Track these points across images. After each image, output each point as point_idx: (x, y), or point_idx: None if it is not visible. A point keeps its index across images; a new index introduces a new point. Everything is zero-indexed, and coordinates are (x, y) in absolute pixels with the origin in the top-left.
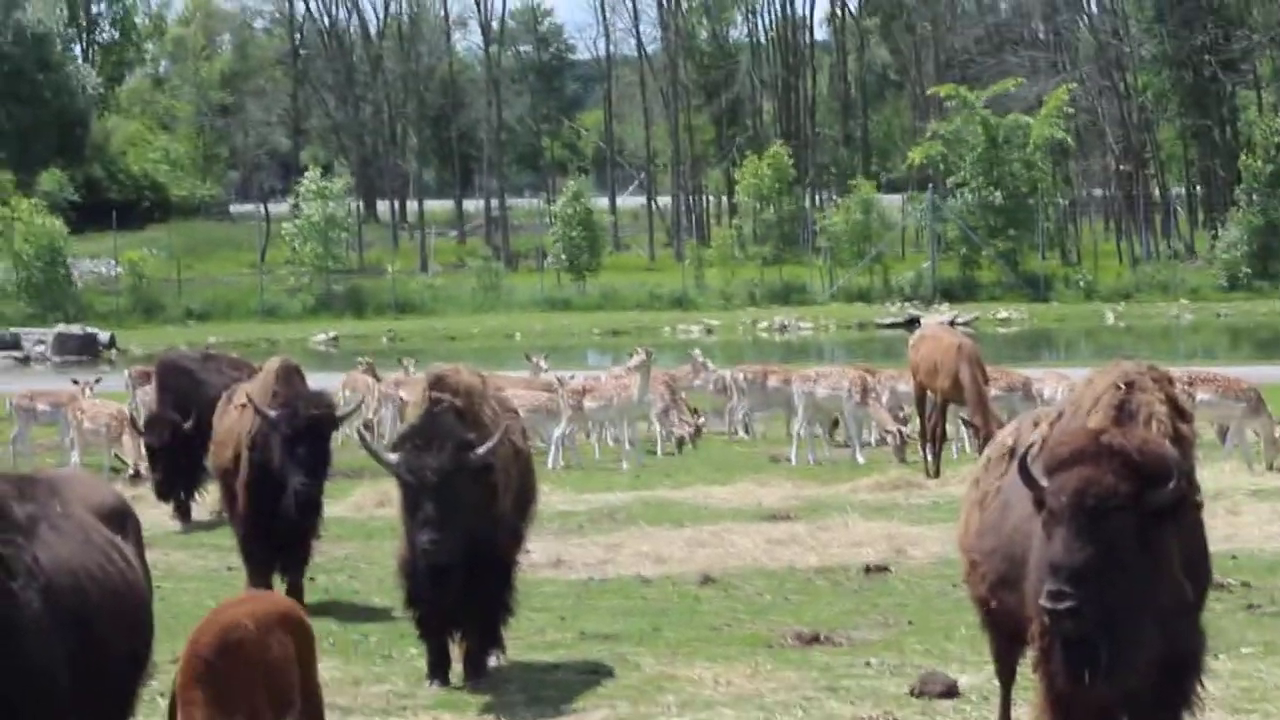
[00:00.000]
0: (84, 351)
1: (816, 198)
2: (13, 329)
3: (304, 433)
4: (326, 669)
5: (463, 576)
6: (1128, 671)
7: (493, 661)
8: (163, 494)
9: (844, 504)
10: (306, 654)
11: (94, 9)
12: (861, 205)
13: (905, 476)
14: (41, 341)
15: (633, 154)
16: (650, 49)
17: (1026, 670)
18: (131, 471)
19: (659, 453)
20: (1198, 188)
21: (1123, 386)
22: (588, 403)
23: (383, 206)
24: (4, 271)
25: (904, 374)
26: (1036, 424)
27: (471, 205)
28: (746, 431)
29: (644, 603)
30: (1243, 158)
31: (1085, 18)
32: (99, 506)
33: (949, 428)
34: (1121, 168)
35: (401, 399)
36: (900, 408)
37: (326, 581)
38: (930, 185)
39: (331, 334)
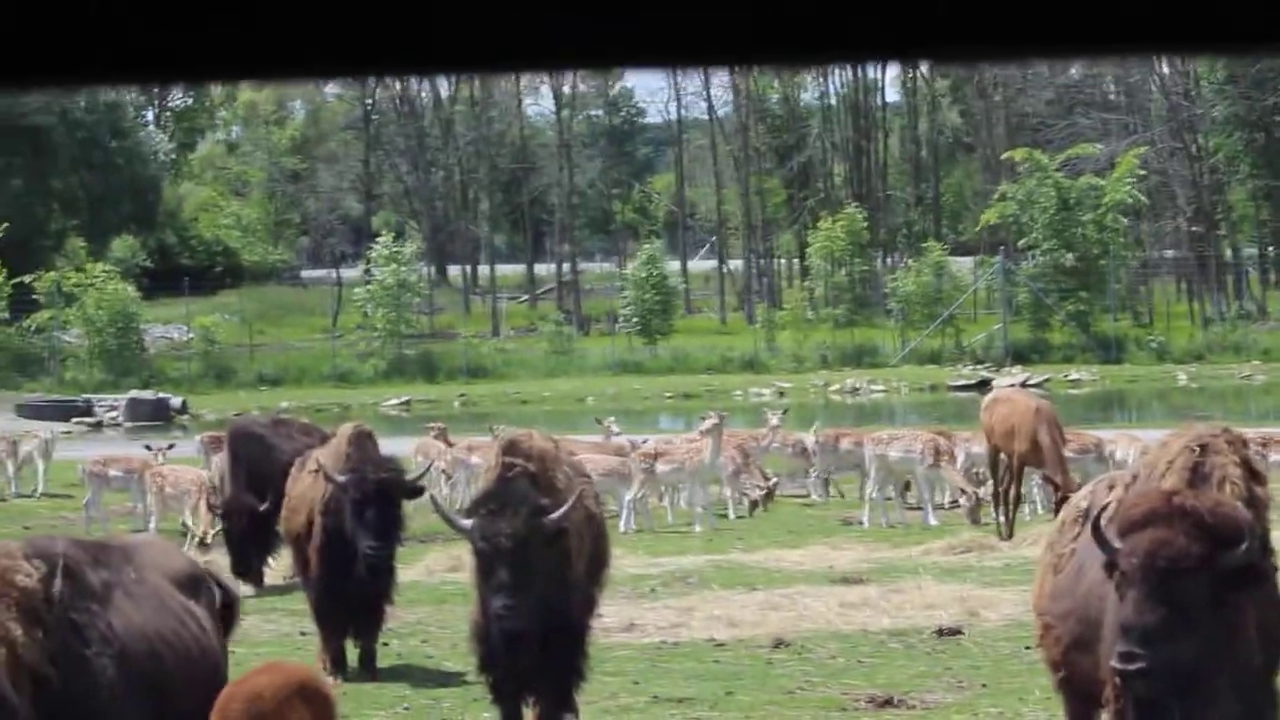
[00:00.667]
0: (156, 417)
1: (888, 260)
2: (86, 395)
3: (373, 496)
4: None
5: (536, 642)
6: None
7: None
8: (238, 573)
9: (916, 566)
10: None
11: None
12: (933, 268)
13: (978, 539)
14: (114, 407)
15: (704, 217)
16: (721, 112)
17: None
18: (199, 538)
19: (731, 516)
20: (1270, 249)
21: (1197, 449)
22: (660, 466)
23: (454, 271)
24: (77, 338)
25: (977, 435)
26: (1111, 487)
27: (543, 269)
28: (823, 493)
29: (716, 666)
30: None
31: (1157, 79)
32: (174, 573)
33: (1022, 490)
34: (1193, 229)
35: (474, 463)
36: (975, 470)
37: (400, 646)
38: (1002, 247)
39: (404, 399)
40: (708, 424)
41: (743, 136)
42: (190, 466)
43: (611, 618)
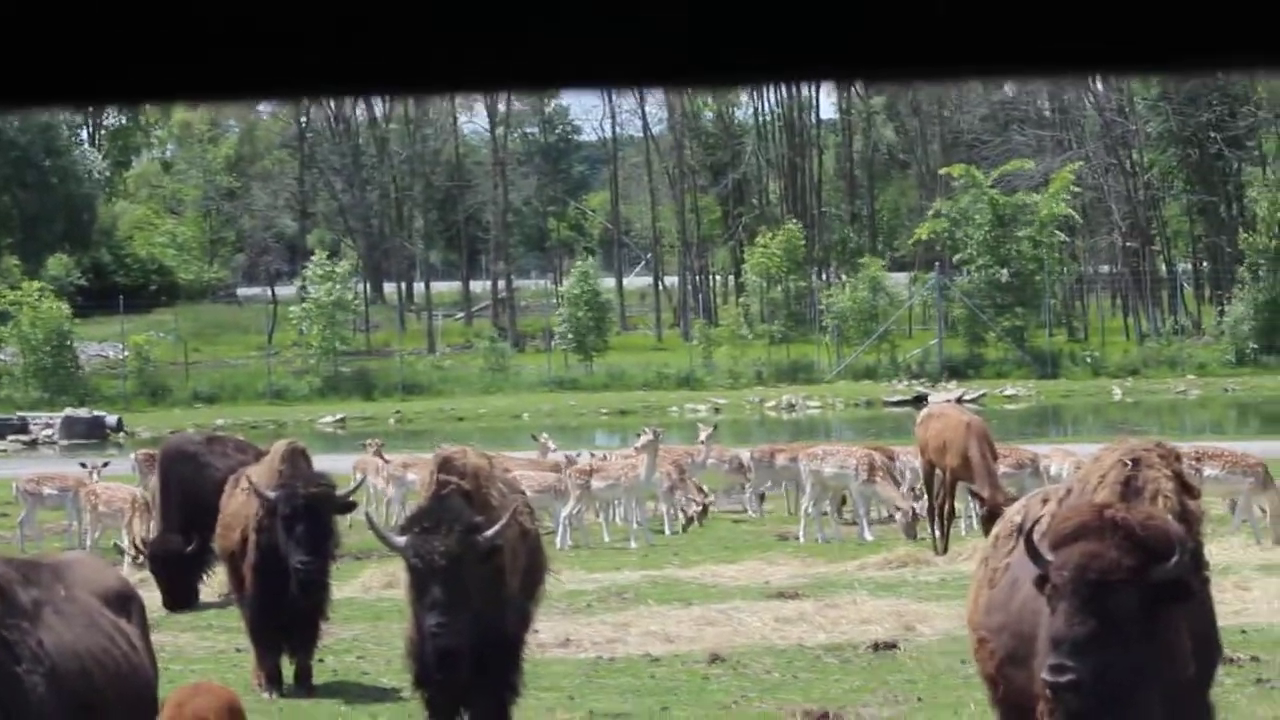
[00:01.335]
0: (91, 435)
1: (823, 276)
2: (20, 413)
3: (303, 512)
4: None
5: (470, 658)
6: None
7: None
8: (170, 606)
9: (852, 581)
10: None
11: None
12: (869, 284)
13: (913, 554)
14: (49, 425)
15: (639, 234)
16: (656, 130)
17: None
18: (132, 555)
19: (667, 531)
20: (1204, 264)
21: (1129, 463)
22: (595, 482)
23: (390, 288)
24: (11, 356)
25: (914, 450)
26: (1045, 501)
27: (478, 286)
28: (758, 509)
29: (653, 682)
30: (1243, 235)
31: (1091, 96)
32: (103, 591)
33: (957, 505)
34: (1128, 244)
35: (410, 480)
36: (916, 487)
37: (335, 663)
38: (937, 264)
39: (339, 416)
40: (643, 440)
41: (678, 154)
42: (124, 484)
43: (547, 633)
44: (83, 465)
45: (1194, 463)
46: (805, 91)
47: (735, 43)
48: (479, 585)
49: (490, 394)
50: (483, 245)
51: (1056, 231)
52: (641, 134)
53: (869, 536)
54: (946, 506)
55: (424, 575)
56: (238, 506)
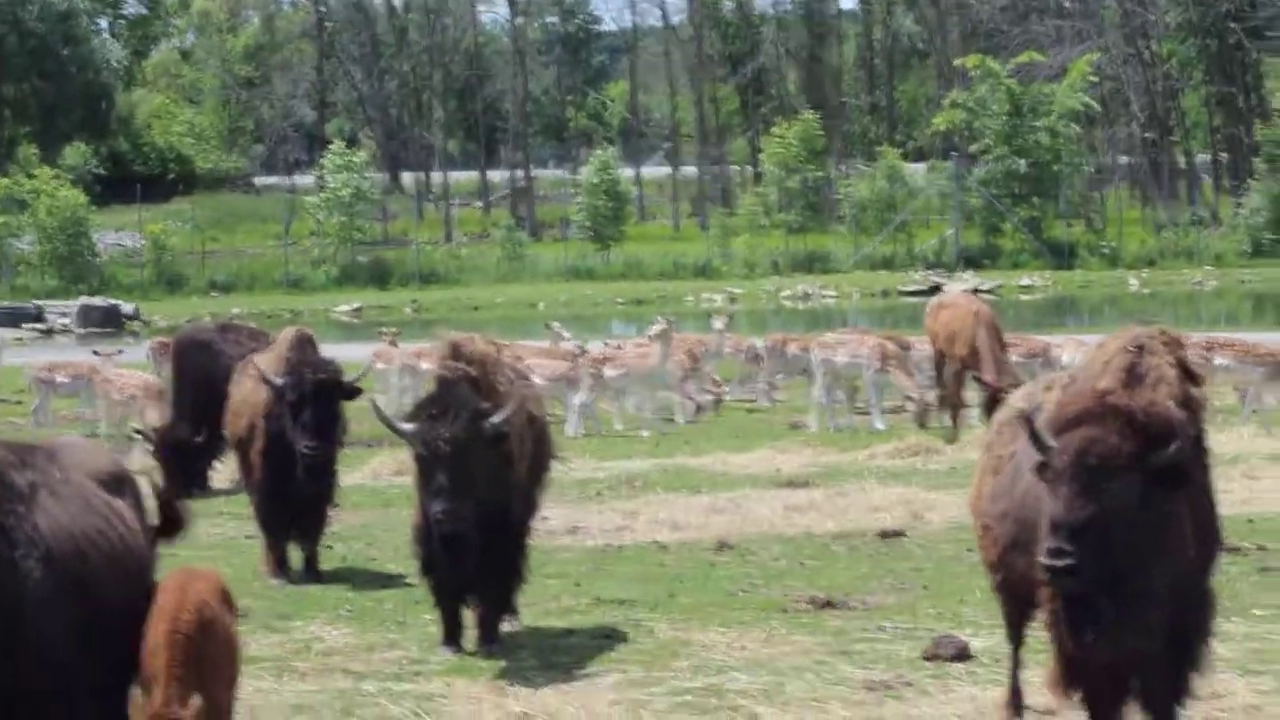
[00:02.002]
0: (108, 324)
1: (841, 166)
2: (37, 301)
3: (310, 398)
4: (342, 635)
5: (476, 544)
6: (1132, 632)
7: (506, 627)
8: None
9: (862, 470)
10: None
11: None
12: (886, 174)
13: (924, 442)
14: (65, 314)
15: (658, 125)
16: (675, 20)
17: (1043, 634)
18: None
19: (679, 420)
20: (1222, 155)
21: (1133, 350)
22: (608, 371)
23: (408, 178)
24: (28, 244)
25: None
26: (1049, 388)
27: (496, 176)
28: (769, 397)
29: (660, 569)
30: (1260, 126)
31: None
32: (97, 472)
33: (969, 393)
34: (1146, 135)
35: (425, 369)
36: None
37: (343, 549)
38: (954, 154)
39: (355, 305)
40: (656, 329)
41: (697, 43)
42: (138, 371)
43: (557, 521)
44: (96, 353)
45: (1205, 352)
46: None
47: None
48: (485, 472)
49: (507, 283)
50: (501, 135)
51: (1073, 123)
52: (661, 24)
53: (880, 426)
54: (956, 395)
55: (430, 462)
56: (246, 393)
